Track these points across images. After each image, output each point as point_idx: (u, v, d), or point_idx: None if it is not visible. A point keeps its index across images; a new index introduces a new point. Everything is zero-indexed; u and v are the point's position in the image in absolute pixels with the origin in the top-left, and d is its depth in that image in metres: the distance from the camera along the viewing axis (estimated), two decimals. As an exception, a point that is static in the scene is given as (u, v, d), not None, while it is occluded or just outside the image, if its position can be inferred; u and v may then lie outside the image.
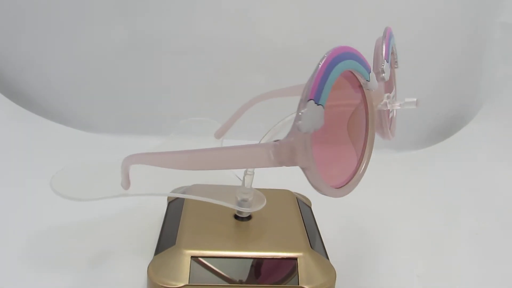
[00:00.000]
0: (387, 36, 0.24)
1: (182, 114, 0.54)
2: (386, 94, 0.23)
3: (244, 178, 0.28)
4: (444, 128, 0.57)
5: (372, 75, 0.21)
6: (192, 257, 0.25)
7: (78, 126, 0.53)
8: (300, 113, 0.18)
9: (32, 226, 0.33)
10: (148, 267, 0.26)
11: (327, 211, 0.33)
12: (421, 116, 0.56)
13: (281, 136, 0.19)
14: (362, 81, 0.21)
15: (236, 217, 0.29)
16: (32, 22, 0.52)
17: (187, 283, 0.25)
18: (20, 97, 0.54)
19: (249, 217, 0.29)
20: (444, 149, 0.54)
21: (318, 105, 0.18)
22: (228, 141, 0.49)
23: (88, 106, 0.54)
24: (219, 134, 0.36)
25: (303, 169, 0.19)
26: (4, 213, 0.35)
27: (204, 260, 0.25)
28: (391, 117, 0.27)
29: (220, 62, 0.52)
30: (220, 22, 0.52)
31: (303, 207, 0.33)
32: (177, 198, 0.33)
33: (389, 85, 0.26)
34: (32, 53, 0.53)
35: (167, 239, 0.28)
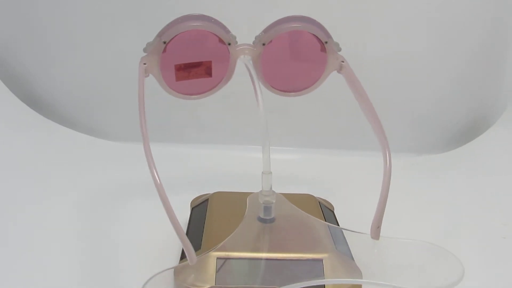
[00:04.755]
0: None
1: (199, 122, 0.55)
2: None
3: (262, 178, 0.28)
4: (467, 131, 0.56)
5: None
6: (217, 258, 0.26)
7: (104, 136, 0.54)
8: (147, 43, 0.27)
9: (57, 232, 0.34)
10: (174, 270, 0.26)
11: (349, 215, 0.33)
12: (443, 118, 0.55)
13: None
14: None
15: (259, 219, 0.29)
16: (55, 34, 0.53)
17: (214, 285, 0.25)
18: (43, 107, 0.55)
19: (272, 220, 0.29)
20: (467, 153, 0.53)
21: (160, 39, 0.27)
22: (245, 147, 0.50)
23: (109, 115, 0.55)
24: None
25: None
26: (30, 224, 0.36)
27: (230, 262, 0.26)
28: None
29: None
30: (232, 28, 0.52)
31: (326, 210, 0.33)
32: (200, 203, 0.33)
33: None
34: (53, 61, 0.54)
35: (192, 243, 0.28)
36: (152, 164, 0.24)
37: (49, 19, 0.52)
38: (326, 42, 0.30)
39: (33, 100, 0.55)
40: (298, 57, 0.31)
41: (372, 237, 0.28)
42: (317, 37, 0.30)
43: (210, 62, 0.29)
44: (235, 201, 0.32)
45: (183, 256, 0.28)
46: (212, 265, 0.25)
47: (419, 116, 0.55)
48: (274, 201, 0.29)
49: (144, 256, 0.31)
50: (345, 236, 0.30)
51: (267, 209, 0.29)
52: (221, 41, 0.28)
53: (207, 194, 0.35)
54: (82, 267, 0.30)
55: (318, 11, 0.51)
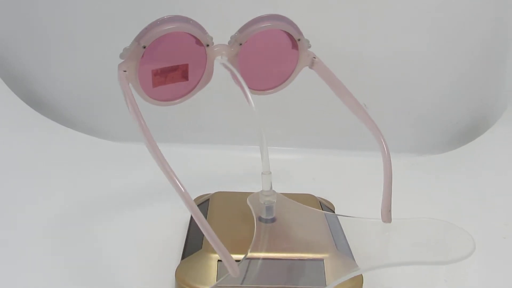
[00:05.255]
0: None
1: (199, 122, 0.55)
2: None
3: (261, 179, 0.28)
4: (467, 131, 0.56)
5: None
6: (219, 260, 0.26)
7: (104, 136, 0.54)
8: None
9: (58, 232, 0.34)
10: (175, 271, 0.26)
11: (350, 214, 0.33)
12: (443, 118, 0.55)
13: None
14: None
15: (260, 219, 0.29)
16: (56, 34, 0.53)
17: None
18: (43, 106, 0.55)
19: (273, 220, 0.29)
20: (468, 153, 0.53)
21: (139, 44, 0.26)
22: (244, 147, 0.50)
23: (109, 115, 0.55)
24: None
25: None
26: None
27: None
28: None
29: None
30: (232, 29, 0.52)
31: (327, 210, 0.33)
32: (201, 203, 0.33)
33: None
34: (53, 61, 0.54)
35: (194, 243, 0.28)
36: (176, 179, 0.23)
37: (50, 18, 0.52)
38: (299, 40, 0.31)
39: (34, 99, 0.55)
40: (272, 55, 0.31)
41: (384, 221, 0.29)
42: (289, 35, 0.30)
43: (187, 65, 0.28)
44: (236, 201, 0.32)
45: (184, 256, 0.28)
46: (213, 267, 0.26)
47: (420, 116, 0.55)
48: (275, 201, 0.29)
49: (145, 256, 0.31)
50: (355, 224, 0.30)
51: (268, 209, 0.29)
52: (198, 42, 0.28)
53: (207, 194, 0.35)
54: (82, 267, 0.30)
55: (318, 11, 0.52)
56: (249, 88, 0.30)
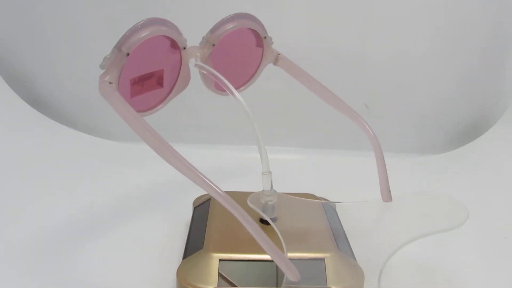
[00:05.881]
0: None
1: (200, 122, 0.55)
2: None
3: (262, 179, 0.28)
4: (468, 131, 0.56)
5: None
6: (220, 260, 0.26)
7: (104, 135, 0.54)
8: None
9: (58, 231, 0.34)
10: (177, 270, 0.26)
11: (351, 214, 0.33)
12: (444, 118, 0.56)
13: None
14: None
15: (261, 220, 0.29)
16: (57, 34, 0.53)
17: (216, 286, 0.25)
18: (45, 107, 0.55)
19: (274, 220, 0.29)
20: (469, 153, 0.53)
21: (120, 51, 0.23)
22: (245, 147, 0.50)
23: (111, 115, 0.55)
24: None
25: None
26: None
27: (232, 263, 0.26)
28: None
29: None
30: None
31: (329, 210, 0.33)
32: (202, 203, 0.33)
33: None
34: (55, 61, 0.54)
35: (195, 243, 0.28)
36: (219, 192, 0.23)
37: (51, 19, 0.52)
38: (265, 37, 0.31)
39: (35, 99, 0.55)
40: (240, 54, 0.31)
41: (385, 201, 0.30)
42: (256, 33, 0.30)
43: (162, 70, 0.26)
44: (237, 201, 0.32)
45: (185, 256, 0.28)
46: (214, 266, 0.25)
47: (421, 116, 0.55)
48: (275, 201, 0.29)
49: (146, 256, 0.31)
50: (354, 209, 0.31)
51: (269, 208, 0.29)
52: (174, 45, 0.26)
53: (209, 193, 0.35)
54: (83, 266, 0.30)
55: (320, 11, 0.52)
56: (218, 90, 0.30)
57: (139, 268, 0.30)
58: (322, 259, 0.26)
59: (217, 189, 0.22)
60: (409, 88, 0.54)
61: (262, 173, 0.28)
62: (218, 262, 0.26)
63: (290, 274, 0.22)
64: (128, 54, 0.24)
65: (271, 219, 0.29)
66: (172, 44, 0.26)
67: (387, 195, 0.30)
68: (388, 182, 0.30)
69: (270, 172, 0.28)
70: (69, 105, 0.56)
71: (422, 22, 0.52)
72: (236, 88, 0.31)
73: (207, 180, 0.22)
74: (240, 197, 0.31)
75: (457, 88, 0.55)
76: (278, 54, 0.33)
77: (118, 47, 0.24)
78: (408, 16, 0.52)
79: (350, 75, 0.53)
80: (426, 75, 0.54)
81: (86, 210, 0.38)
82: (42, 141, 0.51)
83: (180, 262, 0.27)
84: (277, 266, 0.25)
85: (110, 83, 0.23)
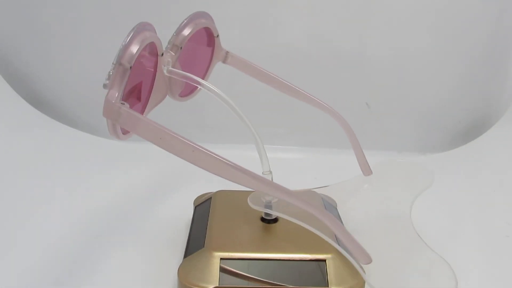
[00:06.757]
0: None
1: (201, 122, 0.55)
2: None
3: None
4: (470, 130, 0.56)
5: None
6: (221, 259, 0.26)
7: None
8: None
9: (59, 231, 0.34)
10: (178, 269, 0.26)
11: (353, 211, 0.33)
12: (446, 117, 0.55)
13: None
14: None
15: (262, 219, 0.29)
16: (58, 34, 0.53)
17: (217, 285, 0.25)
18: (46, 106, 0.55)
19: (275, 220, 0.29)
20: (471, 151, 0.53)
21: (121, 65, 0.21)
22: (247, 146, 0.50)
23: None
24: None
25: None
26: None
27: (234, 262, 0.26)
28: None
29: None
30: (234, 29, 0.52)
31: (329, 207, 0.33)
32: (203, 202, 0.33)
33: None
34: (56, 61, 0.54)
35: (196, 242, 0.28)
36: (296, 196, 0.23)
37: (53, 18, 0.52)
38: (217, 36, 0.30)
39: (36, 99, 0.55)
40: (197, 54, 0.30)
41: (365, 175, 0.32)
42: (209, 32, 0.29)
43: (141, 82, 0.24)
44: (238, 200, 0.32)
45: (186, 255, 0.28)
46: (216, 265, 0.25)
47: (422, 115, 0.55)
48: (276, 200, 0.29)
49: (147, 255, 0.31)
50: (343, 189, 0.34)
51: (269, 208, 0.29)
52: (152, 52, 0.24)
53: (210, 192, 0.35)
54: (84, 266, 0.30)
55: (320, 10, 0.52)
56: (181, 96, 0.29)
57: (140, 267, 0.30)
58: (323, 261, 0.26)
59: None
60: (410, 87, 0.54)
61: (262, 172, 0.28)
62: (219, 261, 0.26)
63: (363, 258, 0.24)
64: (130, 68, 0.21)
65: (272, 219, 0.29)
66: (151, 51, 0.24)
67: (366, 170, 0.32)
68: (365, 157, 0.32)
69: (271, 172, 0.28)
70: (70, 105, 0.56)
71: (423, 20, 0.52)
72: (195, 90, 0.31)
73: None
74: (242, 196, 0.31)
75: (458, 87, 0.55)
76: (227, 52, 0.31)
77: (118, 61, 0.21)
78: (409, 14, 0.52)
79: (351, 74, 0.53)
80: (427, 74, 0.54)
81: (86, 209, 0.38)
82: (43, 141, 0.51)
83: (181, 261, 0.27)
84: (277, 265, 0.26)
85: (122, 103, 0.21)
